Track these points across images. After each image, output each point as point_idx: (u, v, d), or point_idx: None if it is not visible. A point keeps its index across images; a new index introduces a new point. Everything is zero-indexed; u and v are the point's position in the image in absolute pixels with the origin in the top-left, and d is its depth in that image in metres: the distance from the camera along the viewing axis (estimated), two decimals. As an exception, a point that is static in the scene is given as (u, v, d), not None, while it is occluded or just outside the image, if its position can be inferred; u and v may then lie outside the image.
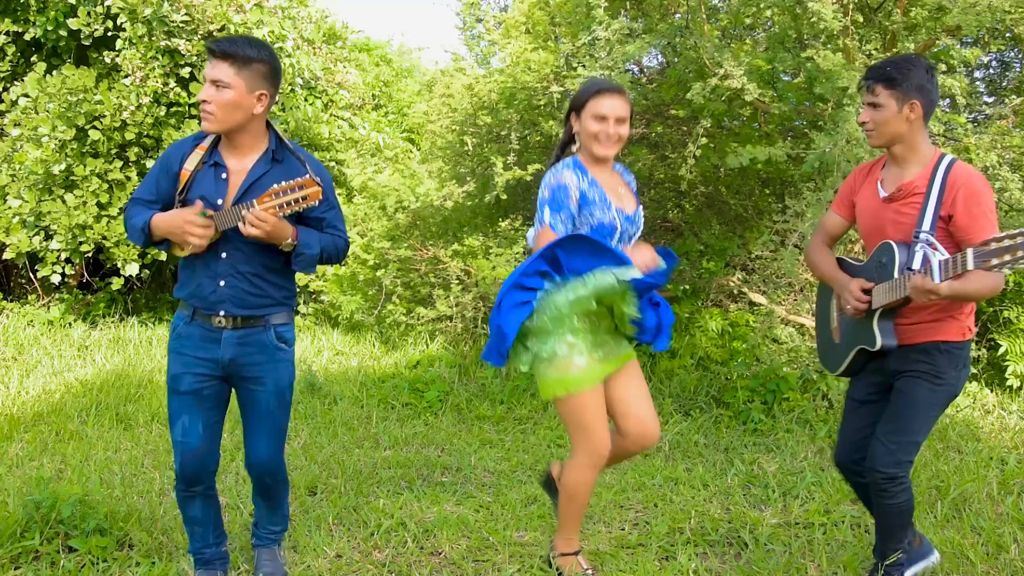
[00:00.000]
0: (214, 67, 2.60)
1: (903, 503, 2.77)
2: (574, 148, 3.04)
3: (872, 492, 2.81)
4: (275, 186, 2.58)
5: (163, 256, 7.94)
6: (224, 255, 2.70)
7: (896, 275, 2.67)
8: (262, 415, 2.85)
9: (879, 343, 2.74)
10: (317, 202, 2.61)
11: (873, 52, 5.04)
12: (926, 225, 2.65)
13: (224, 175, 2.70)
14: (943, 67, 4.80)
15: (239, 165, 2.72)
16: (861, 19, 5.12)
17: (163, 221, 2.65)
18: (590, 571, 3.11)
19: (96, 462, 4.38)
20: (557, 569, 3.12)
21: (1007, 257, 2.29)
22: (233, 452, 4.44)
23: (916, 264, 2.64)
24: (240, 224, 2.59)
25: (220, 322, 2.73)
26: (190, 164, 2.70)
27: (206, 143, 2.73)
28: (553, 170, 2.94)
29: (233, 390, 2.88)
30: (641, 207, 3.08)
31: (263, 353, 2.80)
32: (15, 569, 3.11)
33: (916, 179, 2.70)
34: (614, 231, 2.89)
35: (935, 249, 2.62)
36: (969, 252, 2.38)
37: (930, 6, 5.17)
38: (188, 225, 2.60)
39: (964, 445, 4.63)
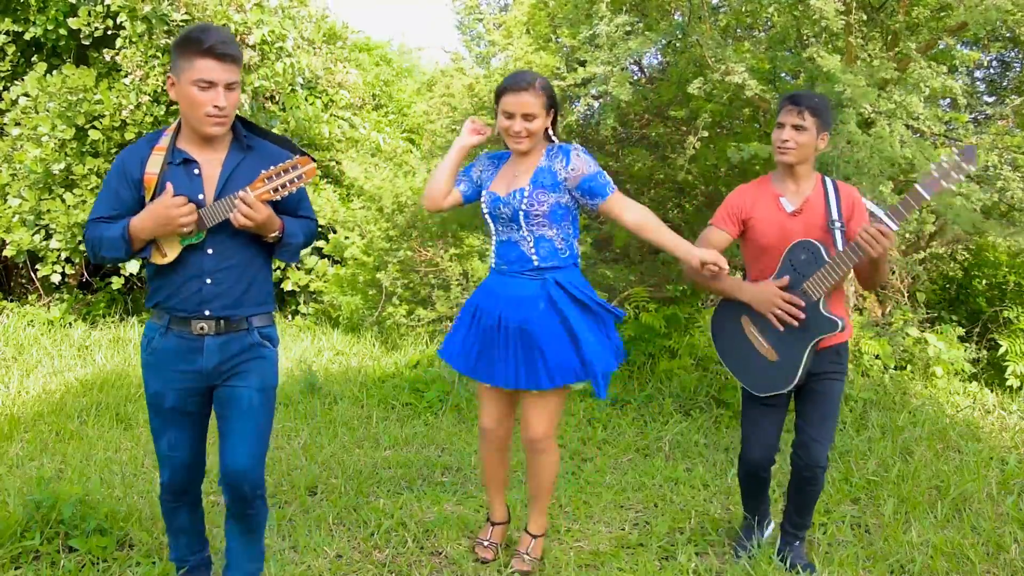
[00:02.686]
0: (228, 70, 2.45)
1: (823, 482, 3.21)
2: None
3: (806, 483, 3.15)
4: (265, 171, 2.49)
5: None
6: (210, 251, 2.54)
7: (827, 259, 2.92)
8: (243, 413, 2.60)
9: (840, 324, 2.97)
10: (312, 179, 2.55)
11: (875, 52, 5.04)
12: (835, 215, 3.01)
13: (196, 171, 2.52)
14: (943, 68, 4.80)
15: (210, 158, 2.55)
16: (865, 17, 5.12)
17: (143, 220, 2.46)
18: (484, 541, 3.35)
19: (96, 462, 4.38)
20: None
21: (952, 174, 2.72)
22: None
23: (839, 246, 2.95)
24: (232, 214, 2.47)
25: (202, 328, 2.55)
26: (153, 167, 2.50)
27: (163, 143, 2.54)
28: None
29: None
30: (533, 187, 2.96)
31: (247, 352, 2.62)
32: (15, 569, 3.11)
33: (813, 193, 3.07)
34: (483, 212, 3.12)
35: (875, 206, 2.95)
36: (916, 185, 2.77)
37: (932, 6, 5.16)
38: (171, 209, 2.42)
39: (964, 445, 4.63)
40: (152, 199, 2.49)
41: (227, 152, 2.58)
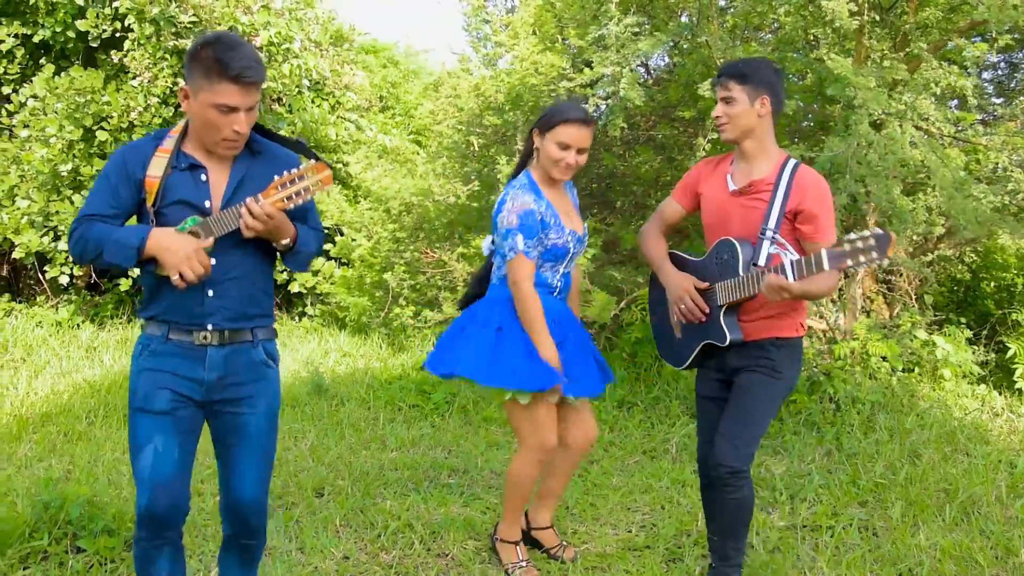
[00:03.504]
0: (252, 95, 2.30)
1: (745, 498, 2.81)
2: (531, 163, 3.11)
3: (716, 487, 2.84)
4: (278, 177, 2.33)
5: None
6: (213, 260, 2.35)
7: (742, 272, 2.74)
8: (251, 441, 2.48)
9: (728, 339, 2.81)
10: (330, 186, 2.38)
11: (884, 52, 5.02)
12: (772, 222, 2.73)
13: (204, 177, 2.38)
14: (954, 68, 4.78)
15: (217, 164, 2.41)
16: (877, 19, 5.09)
17: (163, 240, 2.29)
18: (524, 563, 3.21)
19: (104, 463, 4.40)
20: (495, 551, 3.31)
21: (861, 258, 2.38)
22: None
23: (762, 260, 2.72)
24: (240, 221, 2.32)
25: (205, 338, 2.39)
26: (156, 170, 2.34)
27: (167, 145, 2.38)
28: (513, 192, 3.02)
29: (207, 423, 2.51)
30: (586, 225, 3.26)
31: (252, 372, 2.47)
32: (24, 569, 3.12)
33: (766, 176, 2.80)
34: (567, 253, 3.06)
35: (784, 248, 2.69)
36: (823, 253, 2.47)
37: (943, 6, 5.14)
38: (195, 256, 2.28)
39: (972, 448, 4.61)
40: (154, 204, 2.35)
41: (235, 157, 2.43)
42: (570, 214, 3.14)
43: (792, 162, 2.81)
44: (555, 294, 3.14)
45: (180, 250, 2.28)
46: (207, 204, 2.37)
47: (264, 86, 7.93)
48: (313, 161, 2.38)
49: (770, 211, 2.74)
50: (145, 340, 2.44)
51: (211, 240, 2.33)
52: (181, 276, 2.28)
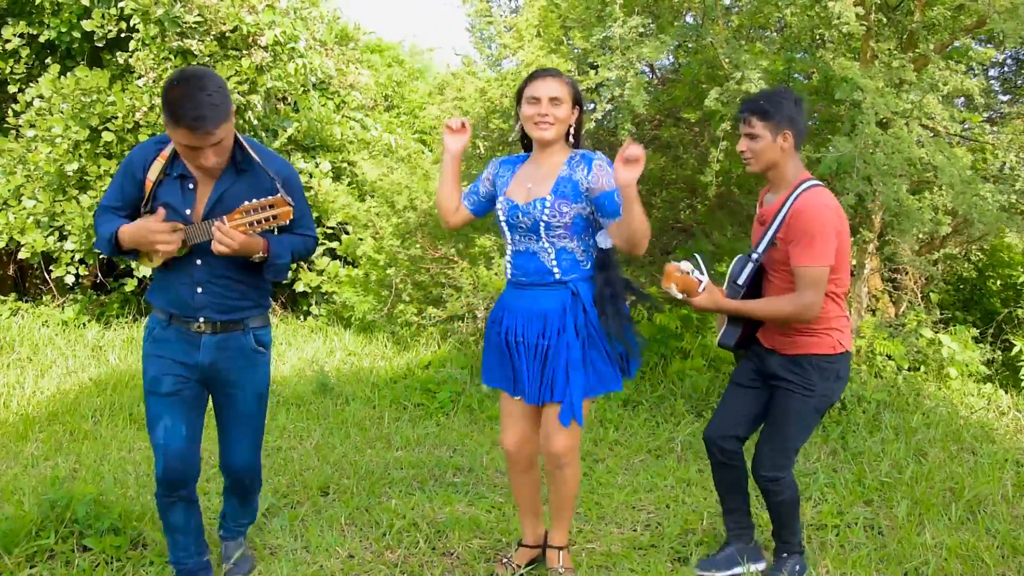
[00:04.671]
0: (209, 136, 2.49)
1: (788, 498, 3.05)
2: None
3: (761, 492, 3.08)
4: (246, 203, 2.57)
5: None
6: (199, 262, 2.68)
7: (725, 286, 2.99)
8: (242, 418, 2.89)
9: (718, 340, 3.09)
10: (287, 221, 2.63)
11: (891, 51, 5.01)
12: (761, 247, 2.93)
13: (191, 186, 2.67)
14: (961, 67, 4.76)
15: (205, 176, 2.67)
16: (884, 20, 5.08)
17: (129, 232, 2.62)
18: (498, 572, 3.16)
19: (110, 462, 4.41)
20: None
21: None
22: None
23: (741, 279, 2.95)
24: (213, 244, 2.58)
25: (199, 327, 2.73)
26: (152, 174, 2.65)
27: (167, 151, 2.67)
28: None
29: (210, 395, 2.90)
30: (555, 197, 2.83)
31: (243, 358, 2.81)
32: (31, 568, 3.13)
33: (776, 203, 2.93)
34: (499, 219, 2.99)
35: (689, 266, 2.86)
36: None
37: (949, 5, 5.12)
38: (152, 234, 2.57)
39: (979, 447, 4.60)
40: (147, 204, 2.67)
41: (221, 173, 2.69)
42: (532, 183, 2.90)
43: (803, 186, 2.87)
44: (513, 280, 2.97)
45: (141, 236, 2.59)
46: (188, 212, 2.65)
47: (269, 85, 8.02)
48: (279, 194, 2.61)
49: (763, 237, 2.92)
50: (152, 324, 2.81)
51: (160, 218, 2.58)
52: (163, 252, 2.62)
